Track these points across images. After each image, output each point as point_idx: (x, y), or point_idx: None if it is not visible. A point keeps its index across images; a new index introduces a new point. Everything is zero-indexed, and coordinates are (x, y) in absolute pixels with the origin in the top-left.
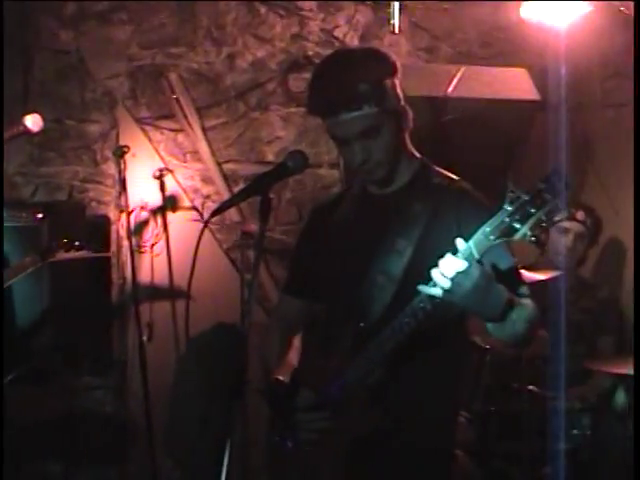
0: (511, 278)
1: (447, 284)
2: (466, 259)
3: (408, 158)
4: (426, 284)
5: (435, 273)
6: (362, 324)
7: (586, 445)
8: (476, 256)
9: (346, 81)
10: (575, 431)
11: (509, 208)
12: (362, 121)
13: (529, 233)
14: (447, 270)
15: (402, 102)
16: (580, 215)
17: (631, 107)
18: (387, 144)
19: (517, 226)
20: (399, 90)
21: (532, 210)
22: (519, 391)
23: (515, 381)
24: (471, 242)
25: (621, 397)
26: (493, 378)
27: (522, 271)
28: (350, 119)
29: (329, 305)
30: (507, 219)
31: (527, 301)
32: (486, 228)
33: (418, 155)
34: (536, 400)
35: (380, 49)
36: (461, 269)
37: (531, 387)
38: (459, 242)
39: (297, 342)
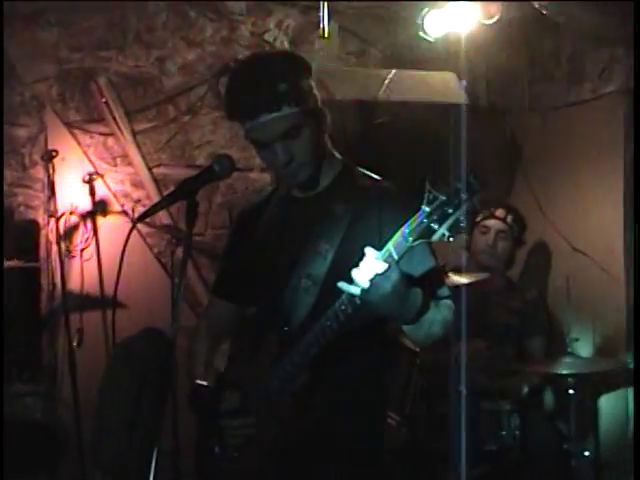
0: (432, 279)
1: (366, 284)
2: (385, 261)
3: (330, 160)
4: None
5: (355, 273)
6: (286, 328)
7: (515, 446)
8: (395, 257)
9: (264, 82)
10: (504, 432)
11: (427, 209)
12: (283, 122)
13: (447, 234)
14: (367, 271)
15: (319, 103)
16: (500, 213)
17: (559, 111)
18: (308, 145)
19: (435, 227)
20: (315, 91)
21: (449, 210)
22: (449, 392)
23: (445, 383)
24: (390, 244)
25: (549, 397)
26: (424, 380)
27: (451, 274)
28: (270, 120)
29: (255, 309)
30: (425, 220)
31: (446, 302)
32: (405, 229)
33: (339, 156)
34: (466, 401)
35: (293, 52)
36: (380, 271)
37: (461, 388)
38: (370, 250)
39: (224, 346)
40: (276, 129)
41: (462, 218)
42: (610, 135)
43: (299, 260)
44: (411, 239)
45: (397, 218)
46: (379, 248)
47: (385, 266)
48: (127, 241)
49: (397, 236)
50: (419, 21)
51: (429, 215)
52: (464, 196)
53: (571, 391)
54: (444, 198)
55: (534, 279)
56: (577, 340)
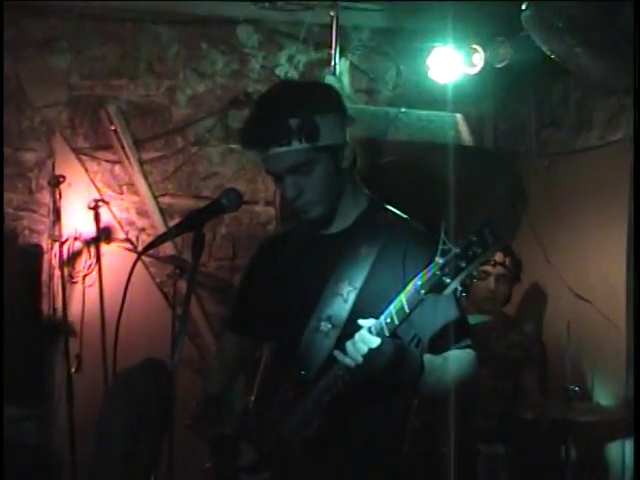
0: (456, 333)
1: (359, 360)
2: (379, 334)
3: (355, 196)
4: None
5: (349, 346)
6: (303, 372)
7: None
8: (407, 311)
9: (276, 115)
10: (500, 476)
11: (440, 261)
12: (291, 156)
13: (460, 288)
14: (360, 347)
15: (343, 139)
16: (499, 257)
17: (565, 157)
18: (321, 182)
19: (447, 280)
20: (340, 126)
21: (463, 264)
22: (446, 434)
23: (443, 423)
24: (402, 295)
25: (543, 442)
26: (420, 421)
27: None
28: (279, 154)
29: (271, 347)
30: (438, 272)
31: (462, 354)
32: (417, 281)
33: (366, 192)
34: (462, 443)
35: (322, 83)
36: (374, 346)
37: (460, 430)
38: (368, 321)
39: (240, 382)
40: (284, 163)
41: (475, 273)
42: (615, 183)
43: (319, 301)
44: (423, 292)
45: (422, 259)
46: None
47: (378, 341)
48: (132, 272)
49: (409, 287)
50: (428, 63)
51: (442, 268)
52: (479, 250)
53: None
54: (458, 251)
55: (533, 319)
56: (577, 389)
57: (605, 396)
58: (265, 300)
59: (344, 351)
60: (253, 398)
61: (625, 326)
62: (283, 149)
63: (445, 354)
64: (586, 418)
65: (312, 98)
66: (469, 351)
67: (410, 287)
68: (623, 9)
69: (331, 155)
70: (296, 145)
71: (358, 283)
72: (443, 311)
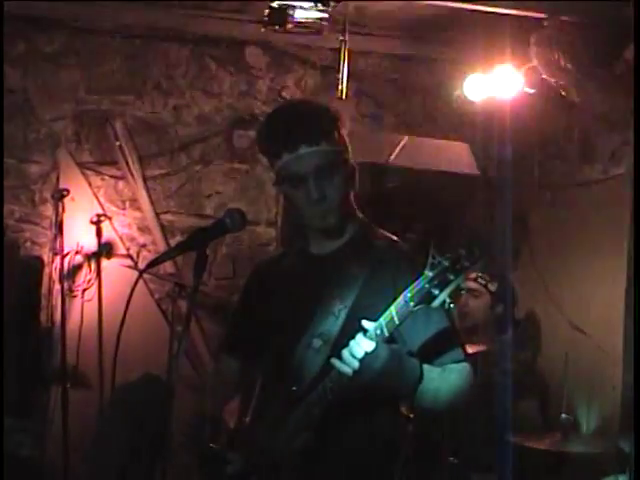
0: (445, 342)
1: (355, 365)
2: (374, 339)
3: (352, 216)
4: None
5: (345, 353)
6: (295, 388)
7: None
8: (396, 322)
9: (307, 116)
10: None
11: (429, 274)
12: (321, 156)
13: (448, 300)
14: (356, 351)
15: (351, 155)
16: (485, 278)
17: (566, 190)
18: (340, 190)
19: (436, 292)
20: (347, 142)
21: (451, 277)
22: (441, 462)
23: (436, 452)
24: (392, 307)
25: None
26: (415, 448)
27: None
28: (309, 153)
29: (265, 366)
30: (427, 285)
31: (458, 367)
32: (407, 293)
33: (360, 215)
34: (457, 472)
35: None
36: (369, 350)
37: (452, 458)
38: (366, 323)
39: (233, 404)
40: (313, 162)
41: (462, 285)
42: (616, 216)
43: (312, 319)
44: (412, 304)
45: (412, 278)
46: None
47: (374, 345)
48: (133, 289)
49: (399, 300)
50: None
51: (431, 280)
52: (467, 263)
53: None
54: (446, 264)
55: (531, 348)
56: (571, 419)
57: (600, 428)
58: (259, 322)
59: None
60: (248, 419)
61: (622, 360)
62: (313, 148)
63: (443, 366)
64: (580, 449)
65: (333, 112)
66: (465, 364)
67: (400, 299)
68: (628, 44)
69: (346, 168)
70: (324, 146)
71: (349, 301)
72: (432, 321)
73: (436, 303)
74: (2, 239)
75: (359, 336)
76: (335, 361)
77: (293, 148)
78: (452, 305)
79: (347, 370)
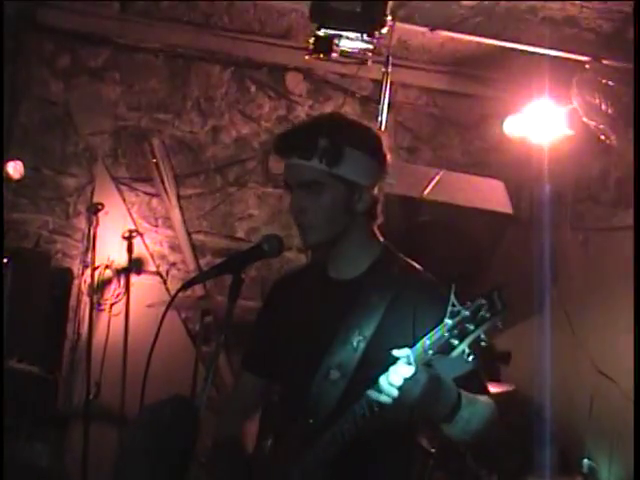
0: (471, 380)
1: (395, 393)
2: (412, 363)
3: (367, 244)
4: (376, 383)
5: (383, 381)
6: (311, 421)
7: None
8: (414, 370)
9: (311, 131)
10: None
11: (449, 322)
12: (307, 171)
13: (467, 350)
14: (395, 378)
15: (365, 182)
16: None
17: (600, 233)
18: (325, 209)
19: (455, 342)
20: (368, 169)
21: (471, 327)
22: None
23: None
24: (411, 353)
25: None
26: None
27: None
28: (296, 165)
29: (281, 397)
30: (446, 334)
31: (484, 398)
32: (426, 341)
33: (381, 240)
34: None
35: (374, 129)
36: (408, 375)
37: None
38: (402, 351)
39: (253, 427)
40: (298, 176)
41: (483, 336)
42: None
43: (329, 348)
44: (431, 352)
45: (433, 312)
46: (411, 344)
47: (412, 370)
48: (167, 309)
49: (418, 346)
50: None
51: (451, 329)
52: (488, 314)
53: None
54: (467, 314)
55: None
56: (592, 464)
57: (621, 477)
58: (277, 340)
59: (369, 392)
60: (270, 442)
61: None
62: (302, 162)
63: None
64: None
65: (353, 132)
66: (488, 400)
67: (418, 347)
68: None
69: (345, 189)
70: (314, 163)
71: (368, 332)
72: (456, 365)
73: (455, 353)
74: (2, 239)
75: (396, 365)
76: (372, 393)
77: (287, 156)
78: (470, 357)
79: (387, 400)
